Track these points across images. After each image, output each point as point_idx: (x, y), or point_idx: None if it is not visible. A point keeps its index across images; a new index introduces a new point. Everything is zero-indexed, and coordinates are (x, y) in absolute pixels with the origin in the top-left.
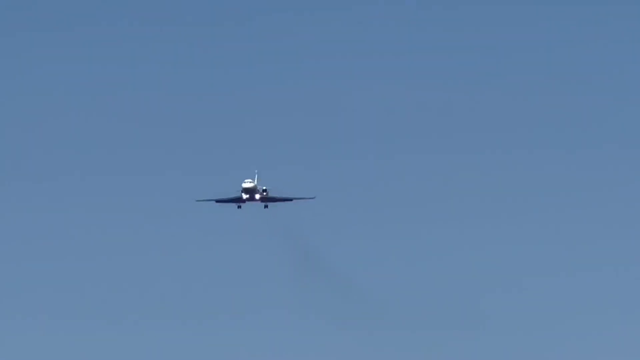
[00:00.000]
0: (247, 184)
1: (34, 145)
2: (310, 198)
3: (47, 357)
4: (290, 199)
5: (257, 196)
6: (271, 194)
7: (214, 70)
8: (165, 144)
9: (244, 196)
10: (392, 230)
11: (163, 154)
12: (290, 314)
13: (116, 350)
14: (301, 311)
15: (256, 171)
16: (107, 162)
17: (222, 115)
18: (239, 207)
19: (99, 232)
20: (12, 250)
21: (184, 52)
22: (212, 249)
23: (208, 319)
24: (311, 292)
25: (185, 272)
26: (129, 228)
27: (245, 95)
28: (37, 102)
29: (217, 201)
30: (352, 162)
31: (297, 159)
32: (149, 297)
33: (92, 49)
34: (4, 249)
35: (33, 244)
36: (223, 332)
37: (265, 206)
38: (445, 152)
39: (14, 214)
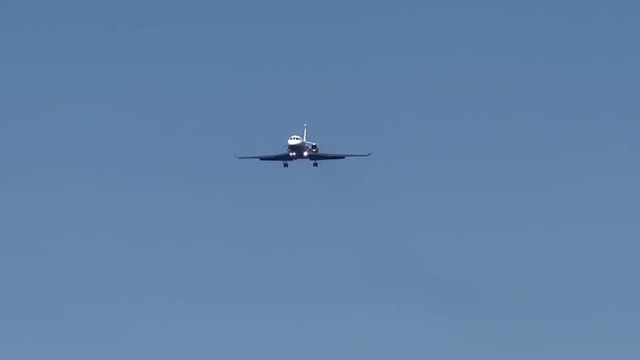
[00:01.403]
0: (294, 140)
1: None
2: (364, 155)
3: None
4: (343, 156)
5: (305, 153)
6: (321, 151)
7: (258, 21)
8: (206, 95)
9: (291, 153)
10: (454, 191)
11: (203, 106)
12: (346, 287)
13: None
14: (356, 283)
15: (305, 125)
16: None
17: (267, 67)
18: (286, 165)
19: (134, 195)
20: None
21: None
22: (255, 211)
23: (251, 292)
24: (366, 260)
25: (226, 237)
26: (163, 189)
27: (297, 46)
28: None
29: (262, 159)
30: (409, 115)
31: (350, 112)
32: (187, 264)
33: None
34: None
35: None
36: (271, 304)
37: (315, 164)
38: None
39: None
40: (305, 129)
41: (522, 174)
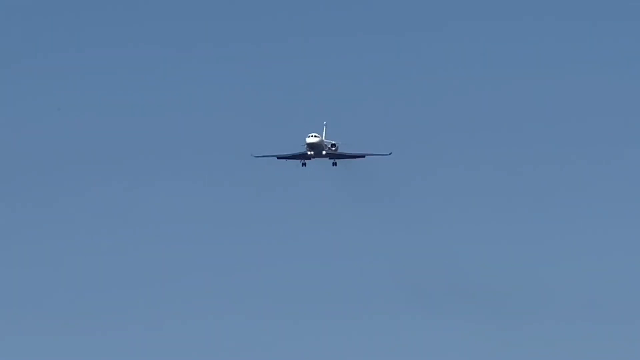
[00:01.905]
0: (312, 139)
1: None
2: (385, 154)
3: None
4: (363, 155)
5: (324, 152)
6: (341, 150)
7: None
8: (221, 91)
9: (309, 152)
10: (479, 190)
11: (218, 102)
12: (369, 293)
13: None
14: (385, 291)
15: (324, 123)
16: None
17: (287, 62)
18: (304, 164)
19: (141, 198)
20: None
21: None
22: (272, 212)
23: (269, 295)
24: (393, 268)
25: (242, 239)
26: (178, 189)
27: (316, 41)
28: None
29: (279, 157)
30: (432, 113)
31: (370, 109)
32: (204, 268)
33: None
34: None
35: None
36: (293, 313)
37: (334, 163)
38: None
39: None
40: (324, 127)
41: (558, 179)
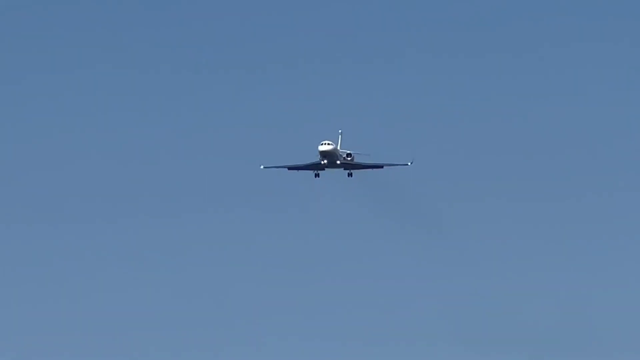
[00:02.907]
0: (325, 147)
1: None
2: (405, 164)
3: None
4: (381, 166)
5: (339, 162)
6: (357, 160)
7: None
8: (227, 97)
9: (323, 161)
10: (504, 202)
11: (224, 110)
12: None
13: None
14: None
15: (340, 132)
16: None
17: (299, 66)
18: (317, 175)
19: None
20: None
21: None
22: (284, 228)
23: (279, 316)
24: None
25: (253, 256)
26: (182, 202)
27: (331, 44)
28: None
29: (290, 168)
30: (453, 121)
31: (389, 117)
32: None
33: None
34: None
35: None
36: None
37: (350, 174)
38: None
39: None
40: (339, 136)
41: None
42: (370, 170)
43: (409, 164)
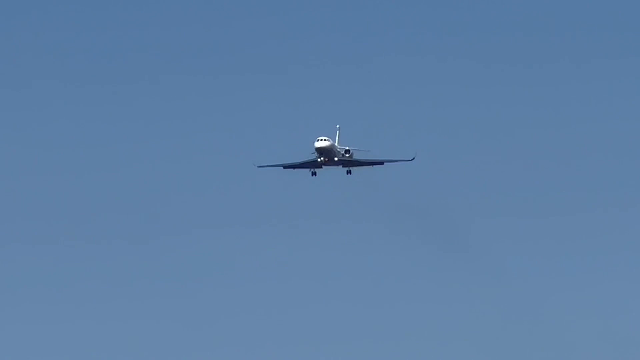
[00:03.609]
0: (322, 143)
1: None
2: (408, 160)
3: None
4: (382, 162)
5: (337, 159)
6: (356, 156)
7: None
8: (219, 92)
9: (319, 158)
10: (514, 199)
11: (215, 106)
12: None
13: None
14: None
15: (337, 127)
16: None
17: (294, 61)
18: (314, 173)
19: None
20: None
21: None
22: (278, 229)
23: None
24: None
25: (250, 261)
26: (174, 204)
27: (328, 37)
28: None
29: (285, 167)
30: (459, 114)
31: (389, 110)
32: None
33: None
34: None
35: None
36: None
37: (348, 172)
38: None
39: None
40: (337, 132)
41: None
42: (370, 167)
43: (412, 159)
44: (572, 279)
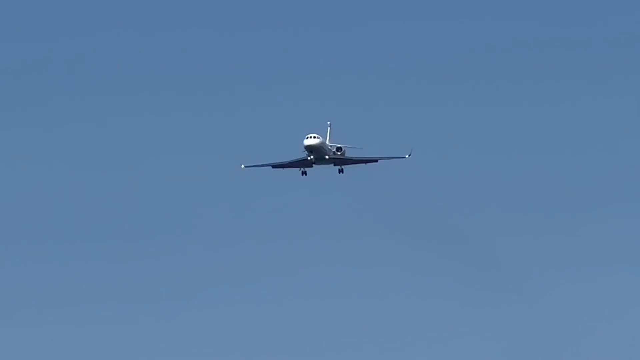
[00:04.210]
0: (311, 140)
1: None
2: (402, 157)
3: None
4: (375, 160)
5: (328, 157)
6: (348, 154)
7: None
8: (203, 91)
9: (309, 157)
10: (513, 199)
11: (200, 105)
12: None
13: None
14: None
15: (329, 124)
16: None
17: (284, 55)
18: (304, 173)
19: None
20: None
21: None
22: (268, 232)
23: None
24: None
25: (238, 265)
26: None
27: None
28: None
29: (274, 166)
30: (456, 109)
31: (383, 106)
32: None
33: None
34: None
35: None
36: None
37: (340, 170)
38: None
39: None
40: (329, 128)
41: None
42: (363, 165)
43: (407, 156)
44: (571, 279)
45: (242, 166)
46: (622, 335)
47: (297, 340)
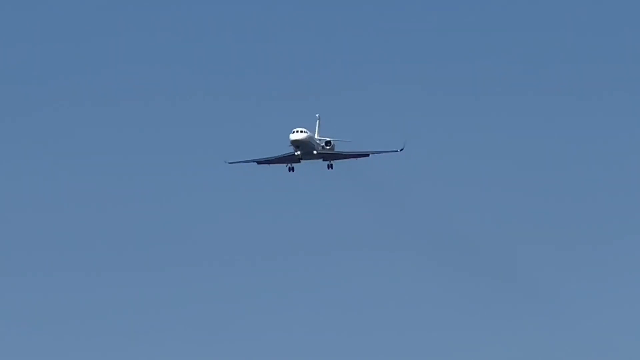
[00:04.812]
0: (298, 135)
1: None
2: (394, 151)
3: None
4: (367, 154)
5: (316, 152)
6: (338, 148)
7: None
8: (187, 88)
9: (296, 152)
10: (513, 198)
11: (183, 101)
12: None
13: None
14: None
15: (317, 116)
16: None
17: (270, 48)
18: (291, 169)
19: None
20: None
21: None
22: (254, 232)
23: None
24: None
25: (225, 269)
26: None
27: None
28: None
29: (259, 162)
30: (451, 99)
31: (372, 98)
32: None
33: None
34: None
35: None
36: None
37: (330, 166)
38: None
39: None
40: (317, 121)
41: None
42: (354, 159)
43: (400, 150)
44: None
45: (226, 162)
46: (636, 346)
47: (289, 346)
